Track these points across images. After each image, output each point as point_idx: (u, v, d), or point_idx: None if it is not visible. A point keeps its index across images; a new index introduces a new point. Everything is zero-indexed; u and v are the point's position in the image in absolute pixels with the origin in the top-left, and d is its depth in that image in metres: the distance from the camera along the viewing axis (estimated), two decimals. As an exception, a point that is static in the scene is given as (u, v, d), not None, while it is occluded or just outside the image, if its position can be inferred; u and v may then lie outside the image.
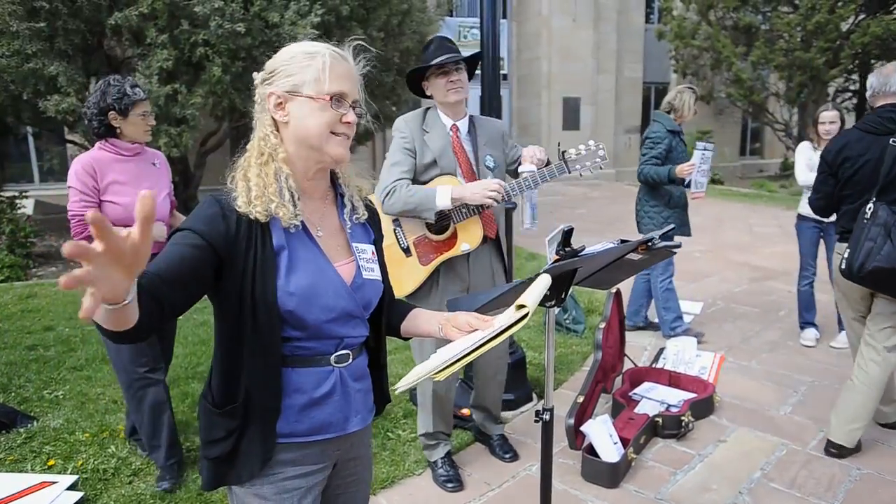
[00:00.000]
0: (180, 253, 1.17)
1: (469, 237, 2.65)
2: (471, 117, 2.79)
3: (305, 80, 1.26)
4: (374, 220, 1.49)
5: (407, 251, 2.68)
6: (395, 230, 2.69)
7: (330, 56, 1.27)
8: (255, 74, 1.34)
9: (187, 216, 1.26)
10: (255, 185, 1.25)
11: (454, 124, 2.72)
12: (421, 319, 1.49)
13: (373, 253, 1.44)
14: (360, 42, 1.39)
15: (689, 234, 4.51)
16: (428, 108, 2.76)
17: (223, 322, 1.28)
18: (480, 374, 3.04)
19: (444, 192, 2.54)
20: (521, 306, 1.25)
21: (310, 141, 1.28)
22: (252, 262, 1.23)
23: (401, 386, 1.24)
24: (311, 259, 1.30)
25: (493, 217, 2.76)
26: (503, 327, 1.24)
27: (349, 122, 1.29)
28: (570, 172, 2.66)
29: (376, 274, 1.42)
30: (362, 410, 1.43)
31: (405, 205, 2.56)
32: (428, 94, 2.72)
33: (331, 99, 1.26)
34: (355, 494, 1.53)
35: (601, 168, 2.68)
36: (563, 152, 2.66)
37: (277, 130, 1.30)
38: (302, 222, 1.30)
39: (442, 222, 2.65)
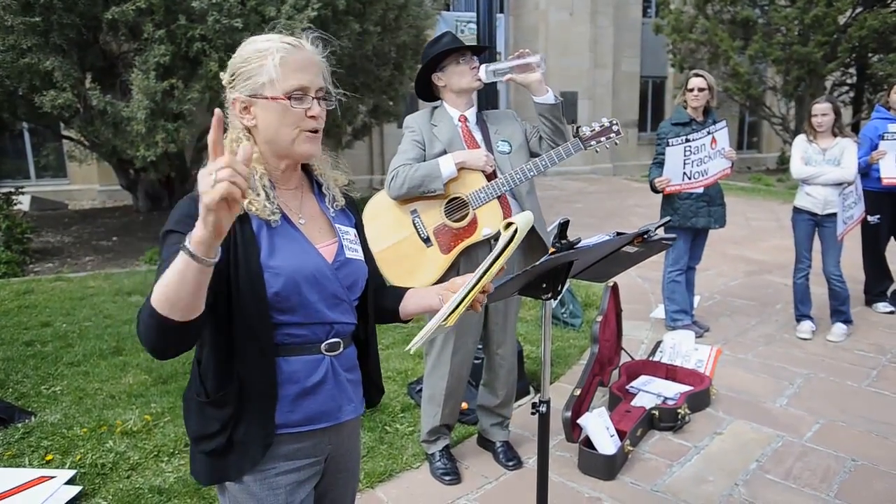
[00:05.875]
0: None
1: (489, 221, 2.63)
2: (478, 112, 2.80)
3: (262, 80, 1.24)
4: (352, 206, 1.51)
5: (427, 241, 2.66)
6: (413, 220, 2.67)
7: (281, 50, 1.25)
8: (221, 75, 1.33)
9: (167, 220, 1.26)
10: None
11: (462, 115, 2.73)
12: (418, 296, 1.49)
13: (355, 235, 1.45)
14: (309, 27, 1.38)
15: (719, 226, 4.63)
16: (435, 108, 2.78)
17: (212, 311, 1.26)
18: (495, 375, 2.96)
19: (446, 160, 2.57)
20: (510, 224, 1.26)
21: (279, 142, 1.28)
22: (233, 246, 1.23)
23: (415, 343, 1.24)
24: (294, 243, 1.31)
25: (507, 201, 2.71)
26: (499, 251, 1.25)
27: (315, 116, 1.27)
28: (584, 149, 2.66)
29: (360, 255, 1.43)
30: (355, 400, 1.44)
31: (411, 181, 2.56)
32: (441, 84, 2.69)
33: (290, 97, 1.24)
34: (345, 487, 1.53)
35: (616, 143, 2.68)
36: (578, 128, 2.67)
37: (249, 133, 1.30)
38: (283, 212, 1.31)
39: (461, 210, 2.65)
